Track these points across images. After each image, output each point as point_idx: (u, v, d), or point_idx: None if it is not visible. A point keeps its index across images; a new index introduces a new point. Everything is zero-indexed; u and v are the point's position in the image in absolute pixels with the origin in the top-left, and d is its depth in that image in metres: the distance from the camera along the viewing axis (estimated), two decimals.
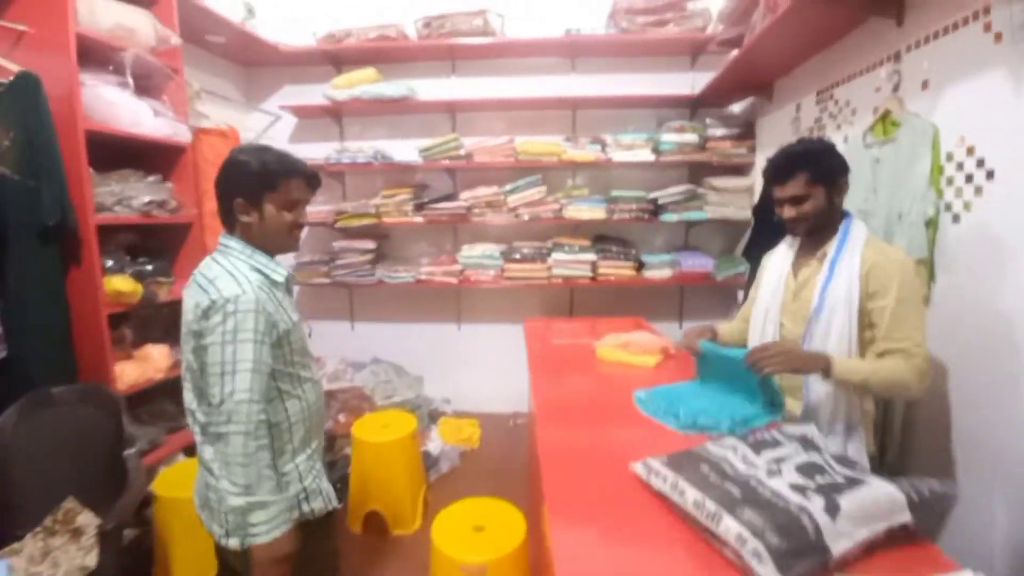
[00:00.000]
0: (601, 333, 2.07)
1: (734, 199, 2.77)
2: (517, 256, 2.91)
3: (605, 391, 1.61)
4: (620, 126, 2.96)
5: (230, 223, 1.14)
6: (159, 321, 2.27)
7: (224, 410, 1.01)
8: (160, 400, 2.30)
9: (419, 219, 2.88)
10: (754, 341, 1.43)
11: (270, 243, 1.15)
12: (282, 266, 1.17)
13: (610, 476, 1.03)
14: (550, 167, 2.87)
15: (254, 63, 3.09)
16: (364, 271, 2.94)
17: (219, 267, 1.09)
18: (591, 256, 2.86)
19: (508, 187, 2.84)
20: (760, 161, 2.69)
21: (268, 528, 1.02)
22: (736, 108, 2.96)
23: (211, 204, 2.46)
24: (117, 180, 2.03)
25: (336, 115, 3.08)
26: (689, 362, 1.59)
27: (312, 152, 3.07)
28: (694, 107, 2.94)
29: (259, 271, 1.11)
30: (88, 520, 1.66)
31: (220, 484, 1.02)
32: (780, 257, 1.44)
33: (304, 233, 1.32)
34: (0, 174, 1.63)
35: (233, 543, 1.07)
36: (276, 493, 1.05)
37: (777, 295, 1.39)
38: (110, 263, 1.94)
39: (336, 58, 2.97)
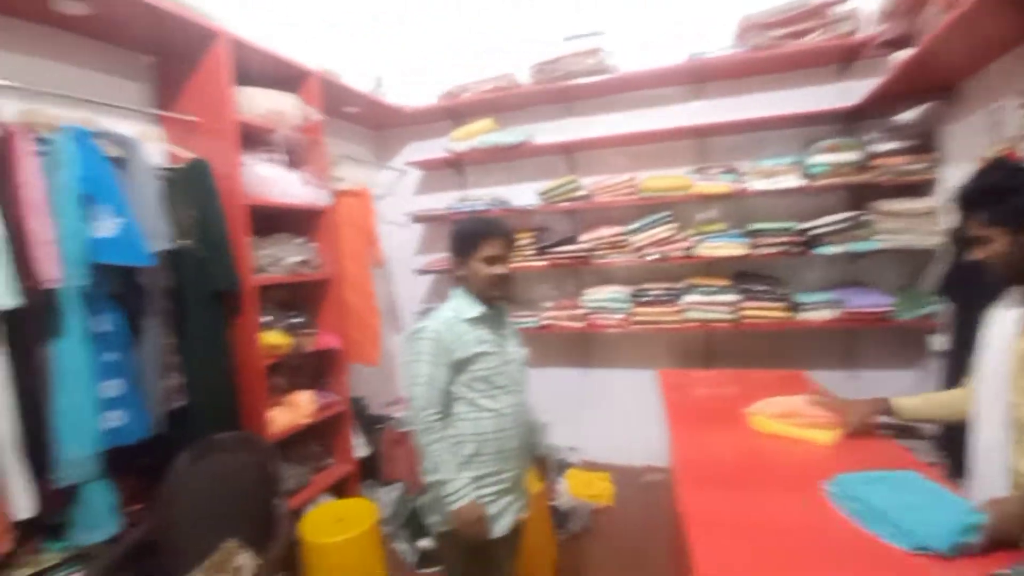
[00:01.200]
0: (751, 390, 1.78)
1: (916, 224, 2.29)
2: (646, 299, 2.71)
3: (765, 462, 1.35)
4: (756, 151, 2.66)
5: (455, 277, 1.49)
6: (307, 369, 2.47)
7: (410, 413, 1.41)
8: (307, 442, 2.47)
9: (541, 263, 2.83)
10: (978, 423, 1.10)
11: (479, 291, 1.42)
12: (483, 306, 1.41)
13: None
14: (677, 202, 2.65)
15: (382, 126, 3.35)
16: None
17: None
18: (732, 297, 2.55)
19: (633, 226, 2.68)
20: (949, 177, 2.21)
21: (455, 498, 1.32)
22: (905, 118, 2.49)
23: (345, 261, 2.70)
24: (272, 243, 2.26)
25: (457, 166, 3.20)
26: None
27: (435, 202, 3.22)
28: (847, 121, 2.54)
29: (455, 310, 1.41)
30: (246, 561, 1.78)
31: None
32: (1004, 313, 1.10)
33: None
34: (182, 246, 1.88)
35: (434, 520, 1.45)
36: (456, 472, 1.34)
37: (1002, 364, 1.05)
38: (267, 319, 2.15)
39: (455, 112, 3.10)
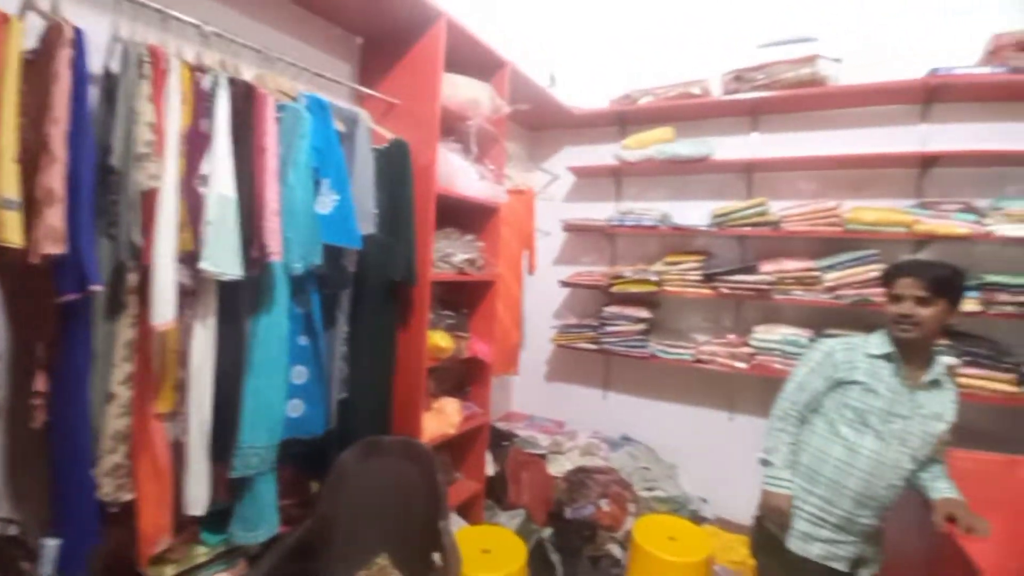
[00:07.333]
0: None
1: None
2: None
3: None
4: (989, 190, 2.24)
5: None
6: (452, 375, 2.32)
7: (776, 399, 1.55)
8: (441, 452, 2.32)
9: (707, 291, 2.53)
10: None
11: (889, 328, 1.43)
12: (889, 347, 1.41)
13: None
14: (886, 240, 2.27)
15: (541, 127, 3.20)
16: (635, 342, 2.69)
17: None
18: (948, 360, 2.14)
19: (827, 262, 2.33)
20: None
21: (769, 482, 1.48)
22: None
23: (503, 264, 2.54)
24: (442, 237, 2.13)
25: (616, 175, 2.98)
26: None
27: (586, 212, 3.03)
28: None
29: (867, 342, 1.46)
30: None
31: None
32: None
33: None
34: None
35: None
36: (783, 463, 1.47)
37: None
38: (431, 317, 2.01)
39: (624, 119, 2.89)
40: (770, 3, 2.62)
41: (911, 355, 1.40)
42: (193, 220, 1.15)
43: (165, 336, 1.16)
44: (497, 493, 2.59)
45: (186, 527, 1.42)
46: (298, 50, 1.77)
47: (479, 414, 2.30)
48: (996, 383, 2.10)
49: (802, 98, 2.42)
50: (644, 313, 2.71)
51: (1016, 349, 2.20)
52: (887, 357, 1.41)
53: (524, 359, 3.27)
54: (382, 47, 1.97)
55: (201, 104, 1.18)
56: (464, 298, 2.34)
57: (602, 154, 2.91)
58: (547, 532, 2.45)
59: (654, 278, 2.61)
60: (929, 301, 1.34)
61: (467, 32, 1.91)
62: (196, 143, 1.16)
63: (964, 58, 2.20)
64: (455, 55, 1.97)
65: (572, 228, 2.91)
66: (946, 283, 1.36)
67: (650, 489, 2.58)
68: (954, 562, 1.25)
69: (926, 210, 2.20)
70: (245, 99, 1.24)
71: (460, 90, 1.93)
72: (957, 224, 2.13)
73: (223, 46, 1.39)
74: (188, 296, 1.20)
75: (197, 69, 1.24)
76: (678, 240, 2.80)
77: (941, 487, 1.42)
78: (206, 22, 1.33)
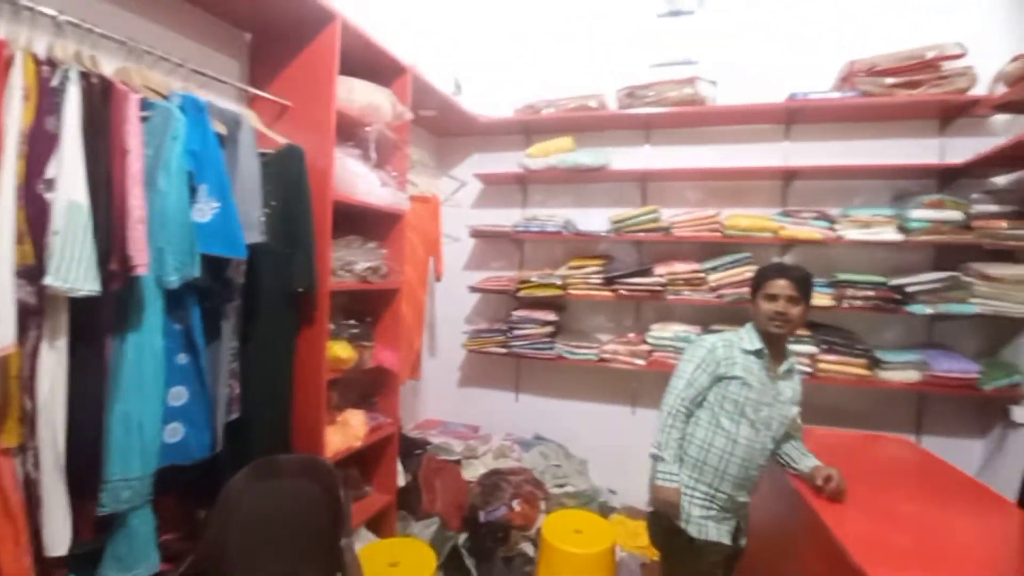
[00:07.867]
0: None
1: (1010, 290, 2.21)
2: None
3: None
4: (842, 199, 2.57)
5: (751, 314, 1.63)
6: (357, 386, 2.25)
7: (664, 399, 1.59)
8: (347, 467, 2.24)
9: (607, 293, 2.67)
10: None
11: (760, 324, 1.57)
12: (759, 342, 1.56)
13: None
14: (757, 244, 2.54)
15: (448, 134, 3.20)
16: (543, 344, 2.77)
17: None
18: (809, 348, 2.43)
19: (710, 264, 2.55)
20: None
21: (661, 477, 1.53)
22: (1003, 181, 2.43)
23: (410, 271, 2.51)
24: (343, 246, 2.07)
25: (522, 183, 3.06)
26: None
27: (493, 218, 3.07)
28: (944, 179, 2.47)
29: (740, 338, 1.59)
30: None
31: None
32: None
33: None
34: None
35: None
36: (673, 458, 1.54)
37: None
38: (331, 327, 1.94)
39: (528, 128, 2.98)
40: (659, 26, 2.82)
41: (775, 349, 1.58)
42: (36, 229, 1.02)
43: (5, 362, 1.02)
44: (411, 503, 2.55)
45: (54, 570, 1.26)
46: (176, 43, 1.64)
47: (387, 424, 2.26)
48: (851, 367, 2.41)
49: (685, 115, 2.64)
50: (551, 316, 2.80)
51: (866, 337, 2.54)
52: (757, 353, 1.55)
53: (437, 365, 3.26)
54: (273, 45, 1.87)
55: (47, 100, 1.06)
56: (368, 307, 2.29)
57: (508, 161, 2.98)
58: (462, 538, 2.45)
59: (559, 282, 2.71)
60: (798, 301, 1.52)
61: (364, 36, 1.88)
62: (40, 144, 1.03)
63: (823, 82, 2.52)
64: (353, 58, 1.92)
65: (479, 234, 2.95)
66: (808, 285, 1.56)
67: (561, 486, 2.66)
68: (814, 529, 1.41)
69: (788, 218, 2.48)
70: (101, 96, 1.13)
71: (357, 94, 1.89)
72: (814, 230, 2.42)
73: (81, 36, 1.26)
74: (34, 316, 1.07)
75: (47, 62, 1.11)
76: (581, 245, 2.92)
77: (812, 460, 1.61)
78: (63, 11, 1.20)
